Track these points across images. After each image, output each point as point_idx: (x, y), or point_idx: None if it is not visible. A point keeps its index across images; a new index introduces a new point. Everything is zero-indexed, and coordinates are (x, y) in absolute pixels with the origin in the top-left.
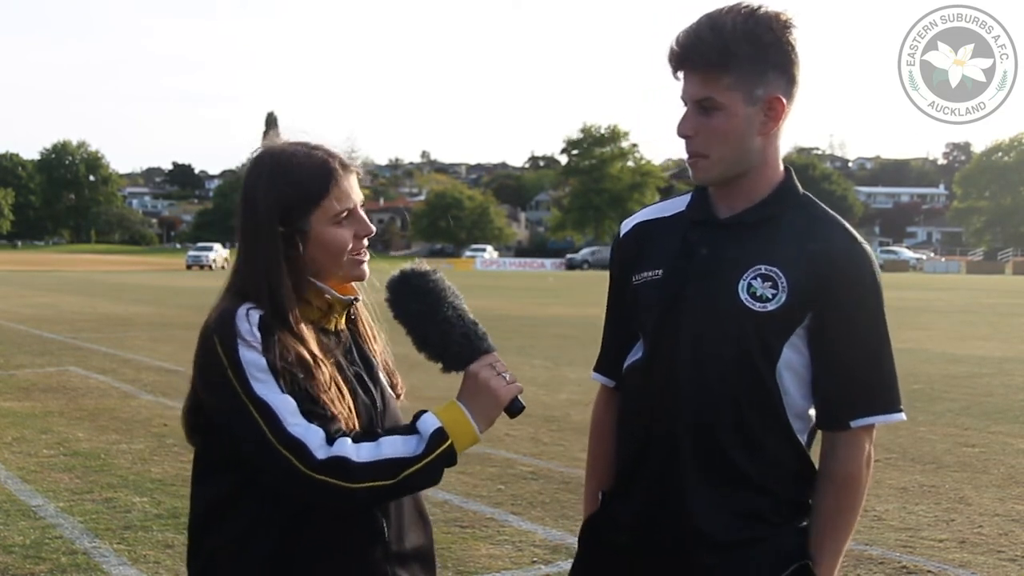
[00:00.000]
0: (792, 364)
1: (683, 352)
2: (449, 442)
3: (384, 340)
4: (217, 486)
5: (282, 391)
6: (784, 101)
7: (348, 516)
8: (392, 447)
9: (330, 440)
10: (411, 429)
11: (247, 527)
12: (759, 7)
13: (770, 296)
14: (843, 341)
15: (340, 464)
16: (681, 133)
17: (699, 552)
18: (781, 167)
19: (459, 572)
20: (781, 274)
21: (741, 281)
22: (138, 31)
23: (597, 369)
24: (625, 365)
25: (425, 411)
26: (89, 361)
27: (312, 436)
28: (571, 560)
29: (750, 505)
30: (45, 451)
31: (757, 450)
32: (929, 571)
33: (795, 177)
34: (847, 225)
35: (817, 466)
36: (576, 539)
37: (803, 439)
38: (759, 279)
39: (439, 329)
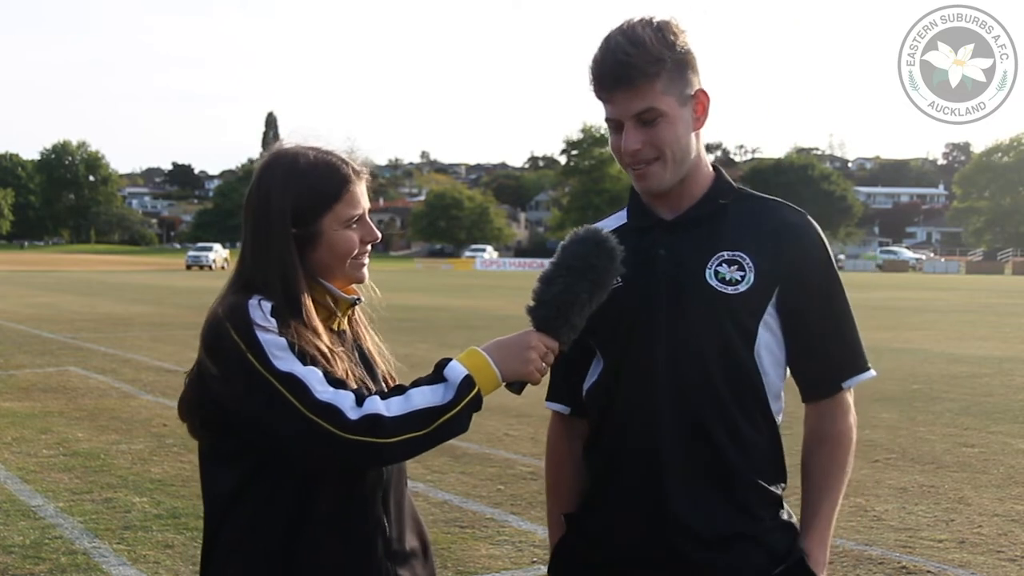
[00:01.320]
0: (768, 344)
1: (659, 353)
2: (477, 389)
3: (381, 343)
4: (228, 480)
5: (305, 364)
6: (707, 94)
7: (355, 511)
8: (422, 397)
9: (360, 401)
10: (437, 378)
11: (254, 521)
12: (652, 18)
13: (739, 278)
14: (819, 311)
15: (374, 421)
16: (629, 149)
17: (688, 553)
18: (709, 165)
19: (459, 572)
20: (745, 256)
21: (707, 270)
22: (138, 29)
23: (550, 398)
24: (585, 388)
25: (448, 359)
26: (89, 361)
27: (343, 399)
28: None
29: (737, 500)
30: (45, 451)
31: (742, 440)
32: (929, 571)
33: (725, 173)
34: (791, 204)
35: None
36: None
37: (779, 420)
38: (724, 264)
39: (566, 290)
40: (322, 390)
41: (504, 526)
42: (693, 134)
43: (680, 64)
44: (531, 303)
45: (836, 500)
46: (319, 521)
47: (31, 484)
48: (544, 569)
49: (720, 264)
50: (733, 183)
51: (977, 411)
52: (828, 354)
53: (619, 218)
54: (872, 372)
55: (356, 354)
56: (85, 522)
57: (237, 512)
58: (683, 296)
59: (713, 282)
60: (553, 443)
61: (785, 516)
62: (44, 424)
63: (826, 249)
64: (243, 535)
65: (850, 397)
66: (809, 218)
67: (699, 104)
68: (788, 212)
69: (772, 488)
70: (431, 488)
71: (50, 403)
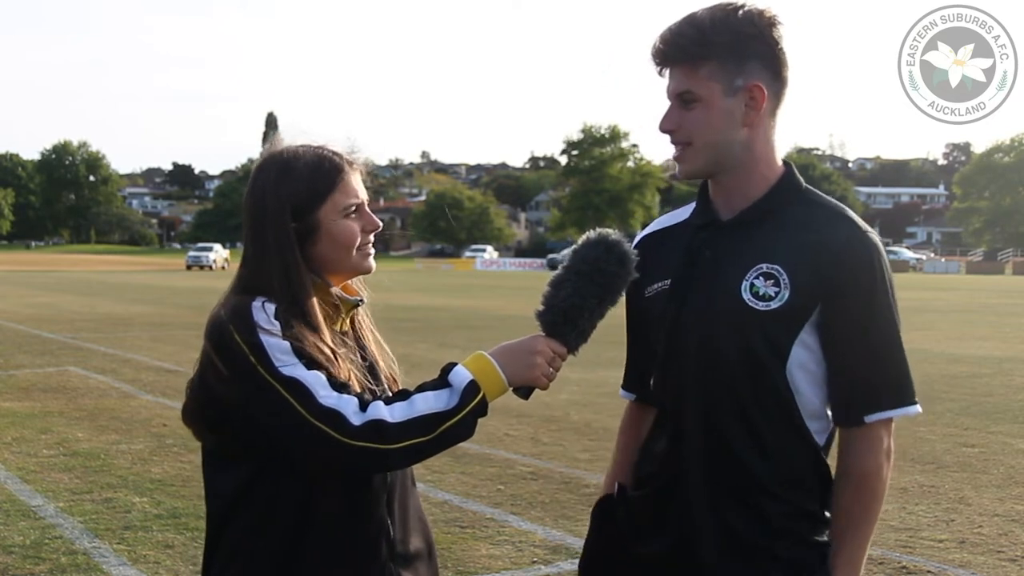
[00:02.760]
0: (804, 362)
1: (690, 359)
2: (482, 394)
3: (384, 343)
4: (232, 481)
5: (308, 368)
6: (764, 89)
7: (359, 512)
8: (426, 403)
9: (363, 406)
10: (442, 383)
11: (257, 522)
12: (742, 5)
13: (773, 294)
14: (852, 334)
15: (377, 427)
16: (663, 128)
17: (706, 561)
18: (779, 163)
19: (459, 572)
20: (783, 271)
21: (744, 282)
22: (138, 29)
23: (623, 386)
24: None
25: (454, 364)
26: (89, 361)
27: (346, 404)
28: (571, 561)
29: (760, 513)
30: (45, 451)
31: (770, 455)
32: (929, 571)
33: (796, 172)
34: (852, 215)
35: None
36: (575, 539)
37: (820, 440)
38: (761, 278)
39: (574, 294)
40: (326, 395)
41: (504, 526)
42: (744, 128)
43: (738, 53)
44: (540, 307)
45: (862, 544)
46: (322, 522)
47: (31, 484)
48: (544, 569)
49: (757, 277)
50: (800, 186)
51: (977, 411)
52: (858, 382)
53: (687, 210)
54: (915, 408)
55: (359, 355)
56: (85, 522)
57: (240, 513)
58: (715, 307)
59: (746, 295)
60: (621, 427)
61: (823, 535)
62: (44, 424)
63: (877, 270)
64: (245, 536)
65: (884, 433)
66: (869, 236)
67: (752, 99)
68: (842, 226)
69: (806, 505)
70: (431, 488)
71: (50, 403)
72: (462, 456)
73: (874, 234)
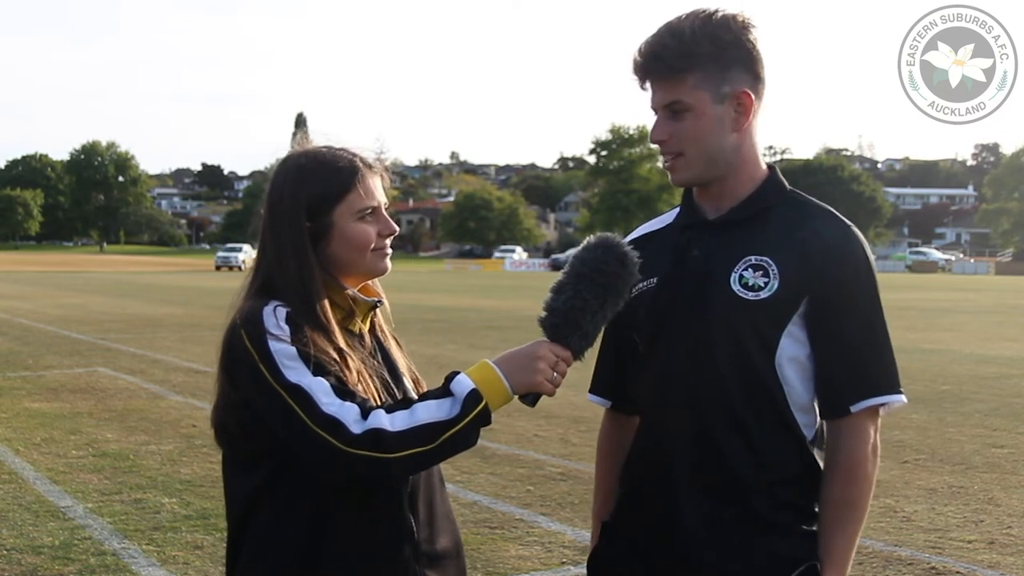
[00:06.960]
0: (793, 355)
1: (678, 356)
2: (484, 403)
3: (401, 345)
4: (249, 482)
5: (314, 375)
6: (752, 95)
7: (379, 512)
8: (427, 412)
9: (365, 414)
10: (444, 392)
11: (277, 523)
12: (716, 10)
13: (762, 284)
14: (838, 326)
15: (376, 436)
16: (655, 139)
17: (697, 557)
18: (763, 165)
19: (488, 573)
20: (772, 262)
21: (733, 274)
22: (166, 30)
23: (592, 390)
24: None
25: (457, 372)
26: (118, 362)
27: (347, 412)
28: None
29: (748, 507)
30: (74, 452)
31: (757, 452)
32: (958, 572)
33: (780, 174)
34: (838, 214)
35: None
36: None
37: (808, 435)
38: (750, 269)
39: (575, 296)
40: (328, 402)
41: (533, 527)
42: (734, 134)
43: (722, 60)
44: (542, 313)
45: (850, 538)
46: (342, 522)
47: (60, 485)
48: (574, 570)
49: (746, 269)
50: (786, 187)
51: (1006, 412)
52: (843, 373)
53: (671, 214)
54: (900, 398)
55: (379, 355)
56: (114, 523)
57: (259, 512)
58: (705, 299)
59: (736, 287)
60: (599, 438)
61: (812, 526)
62: (73, 425)
63: (863, 265)
64: (266, 535)
65: (871, 424)
66: (853, 232)
67: (740, 105)
68: (828, 223)
69: (794, 499)
70: (461, 488)
71: (79, 404)
72: (491, 457)
73: (858, 231)
